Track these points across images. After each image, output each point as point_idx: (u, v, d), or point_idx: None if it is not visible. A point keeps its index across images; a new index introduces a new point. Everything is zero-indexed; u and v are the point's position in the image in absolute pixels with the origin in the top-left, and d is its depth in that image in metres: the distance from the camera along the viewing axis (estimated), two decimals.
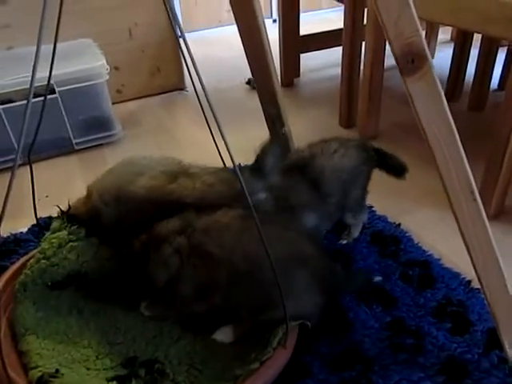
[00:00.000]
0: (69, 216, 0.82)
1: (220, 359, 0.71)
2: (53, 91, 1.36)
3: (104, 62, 1.43)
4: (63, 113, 1.41)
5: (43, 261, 0.77)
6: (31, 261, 0.77)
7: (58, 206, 0.85)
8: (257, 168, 0.86)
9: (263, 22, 1.02)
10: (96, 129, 1.49)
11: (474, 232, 0.51)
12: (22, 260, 0.83)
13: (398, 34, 0.43)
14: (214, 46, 2.50)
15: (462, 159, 0.48)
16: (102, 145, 1.51)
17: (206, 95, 0.55)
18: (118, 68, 1.77)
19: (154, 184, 0.80)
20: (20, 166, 0.47)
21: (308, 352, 0.75)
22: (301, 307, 0.71)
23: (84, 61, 1.43)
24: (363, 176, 0.95)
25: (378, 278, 0.88)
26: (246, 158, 1.29)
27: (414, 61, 0.44)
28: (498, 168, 0.99)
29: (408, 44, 0.44)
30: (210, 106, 0.54)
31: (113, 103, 1.55)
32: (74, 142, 1.46)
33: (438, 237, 1.00)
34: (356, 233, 1.01)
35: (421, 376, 0.71)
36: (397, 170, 0.96)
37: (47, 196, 1.25)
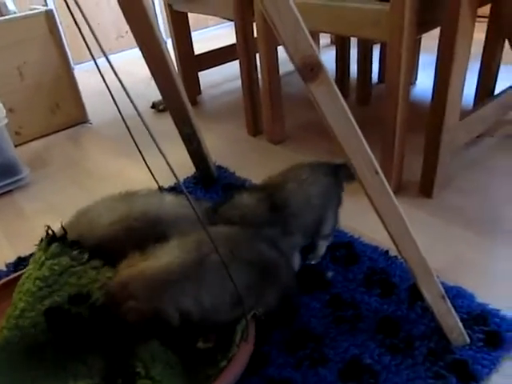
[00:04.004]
0: (72, 241, 0.80)
1: (190, 365, 0.74)
2: None
3: (1, 105, 1.37)
4: None
5: (46, 288, 0.75)
6: (30, 287, 0.75)
7: (52, 230, 0.82)
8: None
9: (163, 41, 1.07)
10: (2, 175, 1.42)
11: (382, 202, 0.62)
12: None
13: (297, 50, 0.51)
14: (108, 75, 2.46)
15: (363, 144, 0.58)
16: (11, 191, 1.45)
17: (142, 120, 0.59)
18: (13, 110, 1.70)
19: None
20: None
21: (265, 342, 0.81)
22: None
23: None
24: (334, 202, 0.98)
25: (329, 273, 0.95)
26: (168, 178, 1.34)
27: (312, 69, 0.53)
28: (391, 150, 1.14)
29: (306, 57, 0.52)
30: (147, 127, 0.58)
31: (14, 146, 1.49)
32: None
33: (354, 218, 1.12)
34: (322, 252, 1.01)
35: (364, 339, 0.80)
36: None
37: None
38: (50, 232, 0.82)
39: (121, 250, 0.76)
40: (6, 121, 1.39)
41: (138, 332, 0.67)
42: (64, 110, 1.84)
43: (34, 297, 0.74)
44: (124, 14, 1.00)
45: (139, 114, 0.60)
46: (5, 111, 1.39)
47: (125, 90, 0.59)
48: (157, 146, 0.58)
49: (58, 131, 1.84)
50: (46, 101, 1.79)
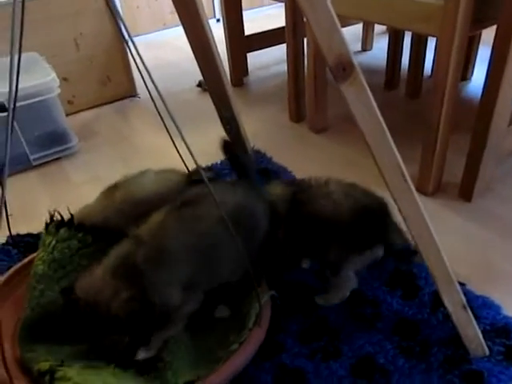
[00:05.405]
0: (78, 225, 0.87)
1: (202, 344, 0.78)
2: (4, 109, 1.36)
3: (54, 75, 1.44)
4: (17, 130, 1.41)
5: (61, 270, 0.82)
6: (46, 270, 0.81)
7: (60, 215, 0.89)
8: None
9: (208, 22, 1.06)
10: (52, 143, 1.50)
11: (408, 208, 0.61)
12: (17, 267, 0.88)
13: (331, 49, 0.51)
14: (161, 50, 2.52)
15: (392, 148, 0.57)
16: (60, 158, 1.53)
17: (162, 101, 0.60)
18: (67, 79, 1.78)
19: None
20: None
21: (281, 331, 0.83)
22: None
23: (34, 76, 1.44)
24: (359, 238, 0.81)
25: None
26: (205, 159, 1.37)
27: (345, 69, 0.53)
28: (433, 148, 1.11)
29: (339, 56, 0.52)
30: (167, 111, 0.60)
31: (66, 115, 1.57)
32: (31, 158, 1.47)
33: None
34: (335, 298, 0.88)
35: (380, 338, 0.81)
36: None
37: (11, 214, 1.26)
38: (55, 217, 0.88)
39: (114, 229, 0.81)
40: (58, 91, 1.46)
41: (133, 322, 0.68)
42: (114, 82, 1.91)
43: (51, 278, 0.80)
44: None
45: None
46: (58, 81, 1.46)
47: (146, 69, 0.60)
48: (177, 128, 0.59)
49: (108, 103, 1.91)
50: (97, 72, 1.86)
